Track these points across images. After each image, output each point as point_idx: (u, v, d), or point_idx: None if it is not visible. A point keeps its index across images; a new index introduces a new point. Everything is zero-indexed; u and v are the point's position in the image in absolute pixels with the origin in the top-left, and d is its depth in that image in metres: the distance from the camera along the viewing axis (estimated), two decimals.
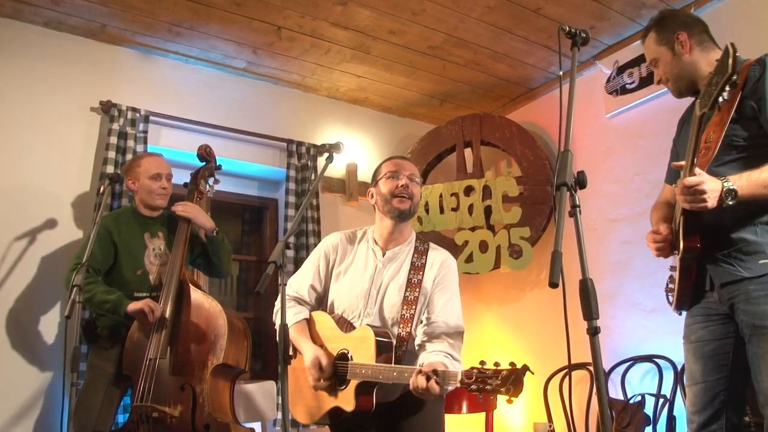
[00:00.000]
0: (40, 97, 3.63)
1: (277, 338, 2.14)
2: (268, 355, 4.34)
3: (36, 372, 3.30)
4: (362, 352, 2.27)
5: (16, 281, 3.33)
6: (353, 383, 2.24)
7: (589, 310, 1.43)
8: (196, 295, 3.01)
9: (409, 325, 2.36)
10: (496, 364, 1.87)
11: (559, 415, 3.88)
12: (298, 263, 4.09)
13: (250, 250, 4.82)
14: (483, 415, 4.00)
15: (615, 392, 3.72)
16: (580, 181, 1.56)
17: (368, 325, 2.35)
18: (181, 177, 3.50)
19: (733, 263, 2.02)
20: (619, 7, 3.76)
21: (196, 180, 3.40)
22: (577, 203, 1.54)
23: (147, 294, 3.06)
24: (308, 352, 2.36)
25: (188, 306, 3.00)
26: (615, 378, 3.73)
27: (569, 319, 1.53)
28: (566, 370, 3.92)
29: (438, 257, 2.51)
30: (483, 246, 4.50)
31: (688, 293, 2.16)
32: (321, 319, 2.50)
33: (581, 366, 3.84)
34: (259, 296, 4.38)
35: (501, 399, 1.79)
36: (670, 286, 2.25)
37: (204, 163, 3.47)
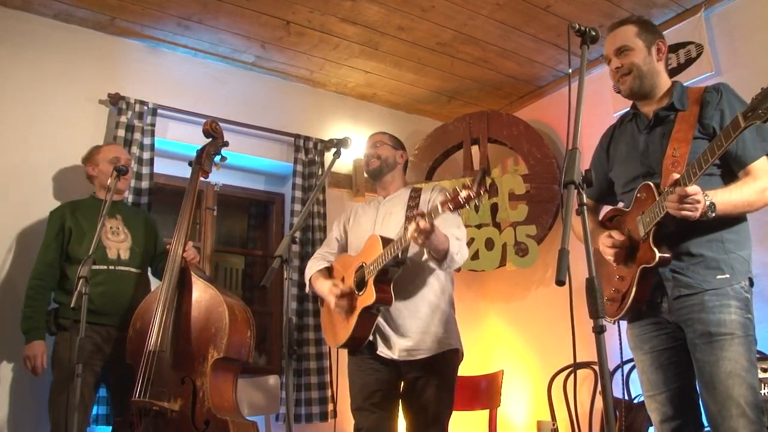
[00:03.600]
0: (48, 89, 3.65)
1: (283, 333, 2.15)
2: (273, 349, 4.35)
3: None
4: (373, 252, 2.58)
5: (22, 273, 3.32)
6: (371, 281, 2.53)
7: (595, 309, 1.42)
8: (197, 283, 2.98)
9: None
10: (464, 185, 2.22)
11: (563, 413, 3.87)
12: (304, 258, 4.09)
13: (256, 245, 4.83)
14: (486, 412, 4.01)
15: (619, 392, 3.71)
16: (588, 180, 1.56)
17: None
18: (189, 170, 3.51)
19: (691, 276, 2.08)
20: (628, 5, 3.75)
21: (200, 158, 3.37)
22: (585, 201, 1.53)
23: (106, 267, 3.03)
24: (325, 285, 2.73)
25: (189, 296, 2.96)
26: (619, 377, 3.72)
27: (574, 317, 1.53)
28: (570, 369, 3.92)
29: (428, 187, 2.87)
30: (489, 243, 4.50)
31: (641, 304, 2.18)
32: (341, 258, 2.91)
33: (586, 365, 3.84)
34: (265, 290, 4.39)
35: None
36: (613, 295, 2.26)
37: (210, 139, 3.44)
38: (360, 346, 2.66)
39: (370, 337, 2.64)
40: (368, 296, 2.51)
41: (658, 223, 2.06)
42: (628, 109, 2.44)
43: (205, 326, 2.88)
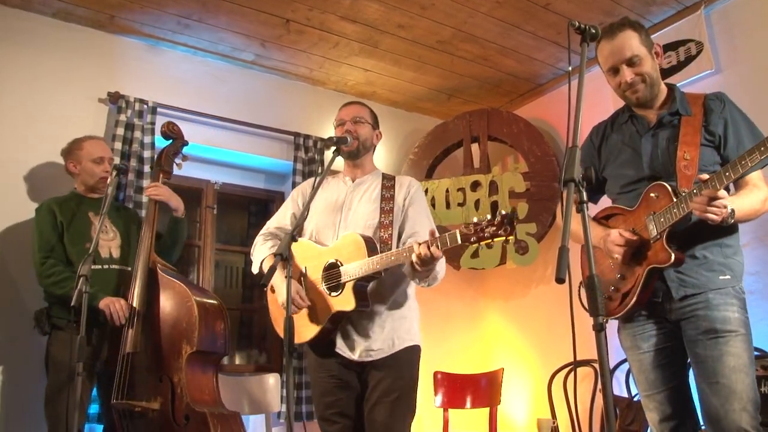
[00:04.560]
0: (48, 87, 3.65)
1: (283, 331, 2.15)
2: (273, 347, 4.35)
3: (40, 362, 3.29)
4: (353, 254, 2.40)
5: (23, 273, 3.32)
6: (349, 285, 2.39)
7: (595, 306, 1.42)
8: (164, 281, 2.97)
9: (390, 228, 2.52)
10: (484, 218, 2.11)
11: (563, 411, 3.88)
12: None
13: None
14: (487, 410, 4.02)
15: (619, 390, 3.72)
16: (588, 178, 1.55)
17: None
18: (189, 169, 3.53)
19: (696, 277, 2.11)
20: (628, 3, 3.75)
21: (160, 159, 3.35)
22: (585, 199, 1.53)
23: (101, 266, 3.01)
24: (278, 279, 2.50)
25: (158, 294, 2.96)
26: (619, 375, 3.72)
27: (574, 315, 1.53)
28: (571, 367, 3.92)
29: (404, 180, 2.70)
30: None
31: (642, 304, 2.19)
32: (300, 244, 2.57)
33: (586, 363, 3.84)
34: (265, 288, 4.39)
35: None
36: (612, 294, 2.26)
37: (169, 141, 3.40)
38: (321, 343, 2.55)
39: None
40: (346, 302, 2.40)
41: (676, 225, 2.06)
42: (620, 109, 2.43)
43: (176, 322, 2.88)
